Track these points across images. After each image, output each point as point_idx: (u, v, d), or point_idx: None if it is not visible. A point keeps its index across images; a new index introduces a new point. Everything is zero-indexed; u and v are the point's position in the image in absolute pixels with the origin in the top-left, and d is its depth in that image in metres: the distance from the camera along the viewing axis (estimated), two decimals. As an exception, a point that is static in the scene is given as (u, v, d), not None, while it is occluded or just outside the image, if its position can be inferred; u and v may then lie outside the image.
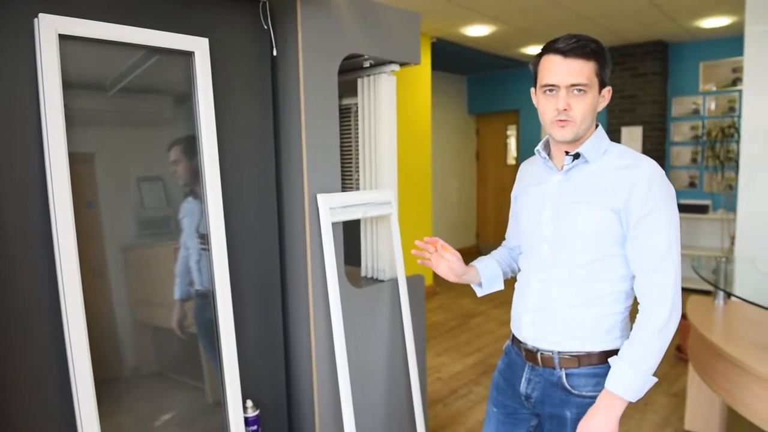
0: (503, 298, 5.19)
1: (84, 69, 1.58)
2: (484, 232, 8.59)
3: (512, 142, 8.22)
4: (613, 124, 6.63)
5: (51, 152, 1.46)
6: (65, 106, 1.48)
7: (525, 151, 7.87)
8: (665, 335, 1.28)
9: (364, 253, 2.44)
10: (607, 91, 1.37)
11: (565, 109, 1.31)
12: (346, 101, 2.47)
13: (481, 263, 1.65)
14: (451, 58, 6.71)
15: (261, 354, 2.03)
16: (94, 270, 1.60)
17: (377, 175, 2.34)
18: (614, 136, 6.60)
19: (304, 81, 1.92)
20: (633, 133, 6.45)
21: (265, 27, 1.95)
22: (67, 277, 1.47)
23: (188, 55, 1.77)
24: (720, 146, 5.64)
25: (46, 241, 1.48)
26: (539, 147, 1.46)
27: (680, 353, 4.06)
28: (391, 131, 2.31)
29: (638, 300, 1.35)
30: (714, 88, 6.18)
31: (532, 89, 1.44)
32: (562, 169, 1.41)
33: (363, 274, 2.46)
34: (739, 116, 5.87)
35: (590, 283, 1.37)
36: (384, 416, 2.26)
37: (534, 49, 6.55)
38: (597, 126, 1.40)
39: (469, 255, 8.60)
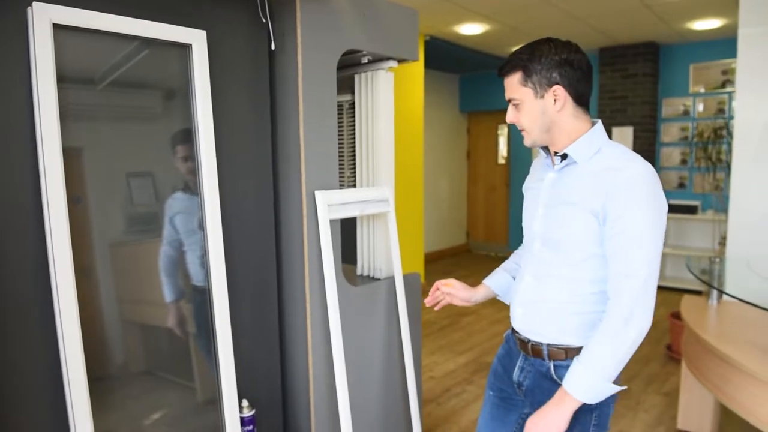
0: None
1: (76, 60, 1.54)
2: (474, 231, 8.60)
3: (503, 142, 8.23)
4: (604, 124, 6.64)
5: (45, 146, 1.42)
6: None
7: (516, 151, 7.90)
8: (619, 341, 1.27)
9: (360, 251, 2.42)
10: (559, 90, 1.35)
11: (514, 122, 1.42)
12: (339, 98, 2.44)
13: (492, 279, 1.72)
14: (444, 57, 6.70)
15: (256, 352, 2.00)
16: (81, 267, 1.55)
17: (374, 172, 2.31)
18: (605, 136, 6.63)
19: (302, 76, 1.89)
20: (624, 134, 6.49)
21: (264, 20, 1.91)
22: (60, 273, 1.43)
23: (185, 48, 1.73)
24: (712, 147, 5.68)
25: (38, 236, 1.44)
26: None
27: (671, 352, 4.09)
28: (388, 128, 2.29)
29: (609, 295, 1.34)
30: (704, 90, 6.23)
31: None
32: (555, 167, 1.44)
33: (359, 272, 2.44)
34: (729, 118, 5.93)
35: (575, 282, 1.39)
36: (380, 415, 2.24)
37: (526, 49, 6.55)
38: (594, 125, 1.39)
39: (459, 254, 8.62)
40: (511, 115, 1.43)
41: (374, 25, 2.12)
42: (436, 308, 1.75)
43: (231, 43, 1.85)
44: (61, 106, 1.46)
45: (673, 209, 6.24)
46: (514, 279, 1.69)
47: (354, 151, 2.55)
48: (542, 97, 1.36)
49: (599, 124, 1.40)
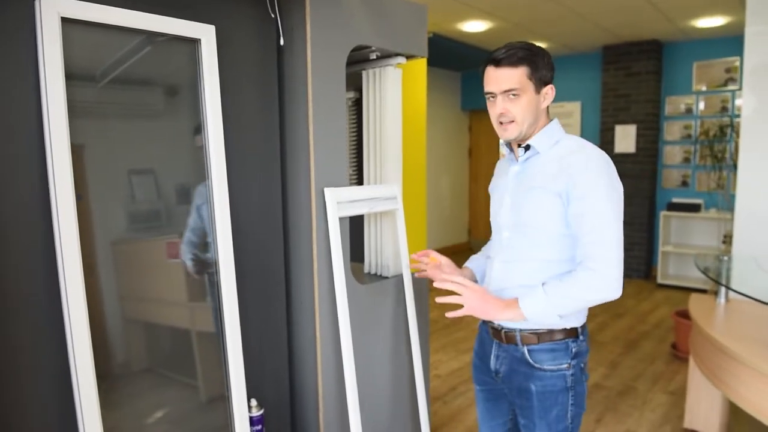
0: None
1: (84, 55, 1.51)
2: (475, 229, 8.58)
3: (505, 140, 8.20)
4: (606, 122, 6.64)
5: (53, 142, 1.39)
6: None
7: (518, 149, 7.87)
8: (584, 293, 1.39)
9: (367, 249, 2.40)
10: (550, 89, 1.48)
11: (503, 113, 1.47)
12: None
13: (473, 262, 1.80)
14: (447, 54, 6.68)
15: (264, 351, 1.98)
16: (83, 264, 1.52)
17: (382, 169, 2.29)
18: (608, 134, 6.62)
19: (311, 72, 1.87)
20: (627, 132, 6.47)
21: (272, 16, 1.89)
22: (68, 271, 1.41)
23: (193, 43, 1.71)
24: (719, 145, 5.66)
25: (45, 233, 1.42)
26: (503, 142, 1.60)
27: (676, 351, 4.08)
28: (396, 125, 2.27)
29: (578, 263, 1.43)
30: (707, 88, 6.21)
31: None
32: (519, 159, 1.55)
33: (366, 270, 2.42)
34: (732, 116, 5.91)
35: (545, 263, 1.48)
36: (388, 414, 2.22)
37: (529, 46, 6.53)
38: (552, 120, 1.53)
39: (461, 252, 8.60)
40: (501, 106, 1.47)
41: (383, 20, 2.10)
42: (416, 274, 1.84)
43: (239, 39, 1.83)
44: (69, 102, 1.44)
45: (675, 207, 6.23)
46: None
47: (356, 148, 2.54)
48: (538, 93, 1.47)
49: (556, 119, 1.54)
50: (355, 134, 2.55)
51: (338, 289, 1.94)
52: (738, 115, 5.72)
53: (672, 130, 6.48)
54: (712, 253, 5.37)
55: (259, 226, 1.93)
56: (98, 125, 1.58)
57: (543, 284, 1.43)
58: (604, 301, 1.42)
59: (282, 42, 1.92)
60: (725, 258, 2.79)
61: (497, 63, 1.45)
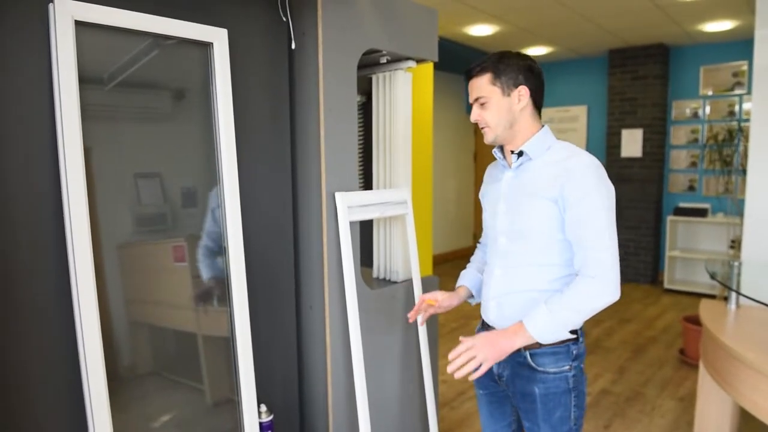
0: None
1: (98, 58, 1.51)
2: (480, 233, 8.55)
3: (510, 143, 8.19)
4: (613, 126, 6.62)
5: (66, 144, 1.39)
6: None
7: (523, 153, 7.85)
8: (586, 302, 1.41)
9: (376, 254, 2.39)
10: (523, 90, 1.50)
11: (477, 120, 1.54)
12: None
13: (466, 279, 1.81)
14: (453, 58, 6.67)
15: (274, 357, 1.97)
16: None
17: (392, 173, 2.28)
18: (614, 138, 6.60)
19: (323, 76, 1.86)
20: (633, 136, 6.45)
21: (284, 19, 1.89)
22: (80, 273, 1.41)
23: (205, 46, 1.71)
24: (728, 149, 5.62)
25: (57, 235, 1.42)
26: (495, 149, 1.63)
27: (684, 356, 4.05)
28: (406, 129, 2.26)
29: (576, 271, 1.46)
30: (714, 93, 6.19)
31: None
32: (512, 167, 1.57)
33: (375, 275, 2.41)
34: (740, 120, 5.89)
35: (543, 267, 1.50)
36: (397, 420, 2.21)
37: (535, 50, 6.53)
38: (543, 126, 1.55)
39: (466, 256, 8.54)
40: (475, 114, 1.54)
41: (394, 24, 2.09)
42: (420, 322, 1.92)
43: (251, 42, 1.83)
44: (82, 105, 1.44)
45: (682, 212, 6.20)
46: None
47: (364, 152, 2.53)
48: (509, 95, 1.50)
49: (547, 126, 1.56)
50: (362, 138, 2.54)
51: (348, 293, 1.93)
52: (746, 120, 5.70)
53: (678, 135, 6.46)
54: (719, 258, 5.34)
55: (269, 230, 1.93)
56: (108, 128, 1.58)
57: (545, 302, 1.43)
58: (606, 306, 1.43)
59: (294, 46, 1.91)
60: (736, 263, 2.76)
61: (469, 75, 1.54)
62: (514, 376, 1.56)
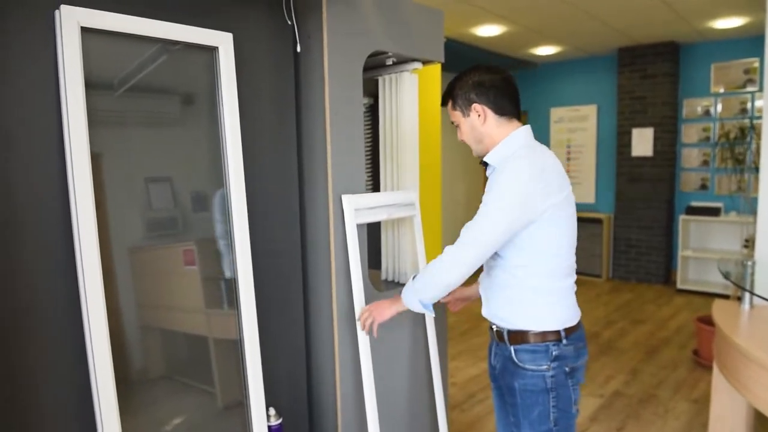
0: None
1: (103, 64, 1.51)
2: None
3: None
4: (623, 125, 6.57)
5: (72, 150, 1.40)
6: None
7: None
8: (433, 271, 1.58)
9: (384, 256, 2.38)
10: (479, 108, 1.60)
11: (461, 140, 1.70)
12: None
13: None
14: (461, 59, 6.64)
15: (282, 360, 1.97)
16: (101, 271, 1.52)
17: (399, 176, 2.28)
18: (625, 137, 6.55)
19: (329, 78, 1.86)
20: (644, 135, 6.40)
21: (289, 22, 1.89)
22: (88, 278, 1.41)
23: (210, 51, 1.71)
24: (740, 147, 5.56)
25: (65, 240, 1.42)
26: (482, 160, 1.70)
27: (698, 357, 4.00)
28: (413, 131, 2.25)
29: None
30: (726, 90, 6.12)
31: None
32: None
33: (383, 277, 2.40)
34: (752, 118, 5.82)
35: (503, 269, 1.60)
36: (406, 423, 2.19)
37: (543, 50, 6.50)
38: (510, 133, 1.60)
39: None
40: (458, 136, 1.71)
41: (400, 26, 2.08)
42: (452, 309, 2.09)
43: (256, 46, 1.83)
44: (93, 111, 1.44)
45: (695, 211, 6.14)
46: None
47: (372, 154, 2.52)
48: (468, 115, 1.63)
49: (519, 130, 1.60)
50: (369, 140, 2.53)
51: (356, 296, 1.93)
52: (758, 117, 5.63)
53: (690, 133, 6.40)
54: (733, 257, 5.27)
55: (276, 233, 1.92)
56: (116, 133, 1.58)
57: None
58: (448, 281, 1.55)
59: (299, 49, 1.91)
60: (749, 262, 2.72)
61: (442, 105, 1.75)
62: (503, 369, 1.64)
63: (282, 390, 1.97)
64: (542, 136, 7.57)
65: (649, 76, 6.34)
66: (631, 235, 6.65)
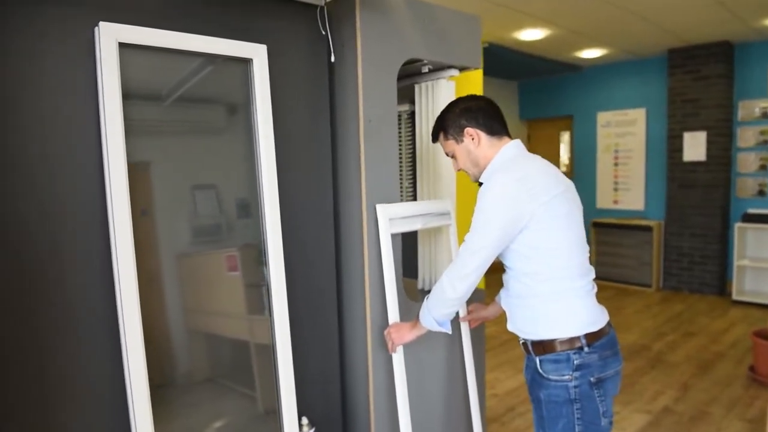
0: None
1: (142, 78, 1.55)
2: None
3: (564, 149, 7.98)
4: (674, 129, 6.34)
5: (110, 160, 1.43)
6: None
7: (579, 158, 7.62)
8: (436, 291, 1.63)
9: (421, 265, 2.35)
10: (472, 132, 1.67)
11: (458, 170, 1.77)
12: (398, 108, 2.38)
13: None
14: (503, 64, 6.57)
15: (316, 370, 1.97)
16: (147, 276, 1.56)
17: (435, 184, 2.25)
18: (676, 141, 6.32)
19: (362, 87, 1.85)
20: (696, 139, 6.14)
21: (323, 32, 1.89)
22: (124, 284, 1.45)
23: (245, 63, 1.73)
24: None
25: (104, 247, 1.46)
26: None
27: (754, 374, 3.79)
28: (449, 138, 2.21)
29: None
30: (785, 91, 5.82)
31: None
32: None
33: (420, 286, 2.37)
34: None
35: (515, 279, 1.62)
36: (442, 437, 2.15)
37: (589, 53, 6.34)
38: (500, 151, 1.66)
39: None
40: (454, 166, 1.78)
41: (435, 33, 2.06)
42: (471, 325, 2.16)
43: (290, 56, 1.84)
44: (127, 122, 1.48)
45: (752, 218, 5.84)
46: None
47: (413, 162, 2.50)
48: (462, 141, 1.69)
49: (509, 144, 1.67)
50: (411, 148, 2.51)
51: (390, 306, 1.91)
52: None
53: (746, 136, 6.10)
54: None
55: (310, 243, 1.93)
56: (164, 143, 1.63)
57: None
58: (454, 296, 1.59)
59: (333, 59, 1.91)
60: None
61: (433, 141, 1.81)
62: (532, 381, 1.64)
63: (315, 400, 1.96)
64: (589, 141, 7.37)
65: (702, 77, 6.09)
66: (683, 243, 6.38)
